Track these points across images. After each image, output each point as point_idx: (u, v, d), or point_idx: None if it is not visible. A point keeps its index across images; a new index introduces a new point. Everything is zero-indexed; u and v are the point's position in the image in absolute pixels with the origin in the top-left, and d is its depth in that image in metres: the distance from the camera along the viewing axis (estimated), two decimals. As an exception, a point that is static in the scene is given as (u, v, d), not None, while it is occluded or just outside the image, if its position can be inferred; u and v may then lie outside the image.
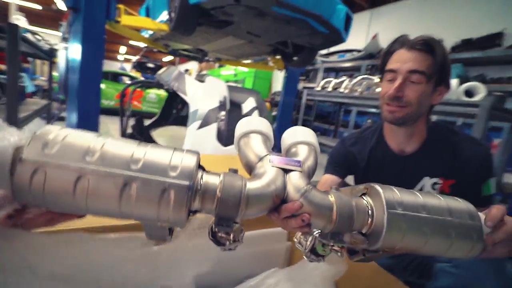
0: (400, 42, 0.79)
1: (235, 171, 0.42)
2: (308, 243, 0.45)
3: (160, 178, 0.34)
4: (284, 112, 3.55)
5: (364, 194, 0.44)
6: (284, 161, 0.45)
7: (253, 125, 0.52)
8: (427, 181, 0.83)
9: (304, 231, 0.43)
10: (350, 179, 1.00)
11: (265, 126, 0.53)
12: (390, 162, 0.87)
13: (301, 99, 3.70)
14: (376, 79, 2.12)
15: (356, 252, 0.45)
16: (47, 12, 8.91)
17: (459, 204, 0.44)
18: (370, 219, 0.41)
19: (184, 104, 2.89)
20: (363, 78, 2.20)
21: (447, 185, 0.82)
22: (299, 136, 0.53)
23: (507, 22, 3.82)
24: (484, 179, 0.79)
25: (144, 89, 6.17)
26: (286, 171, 0.44)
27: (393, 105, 0.77)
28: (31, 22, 4.89)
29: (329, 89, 2.33)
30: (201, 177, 0.39)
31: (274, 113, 4.72)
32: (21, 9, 6.71)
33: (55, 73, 4.05)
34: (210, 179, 0.39)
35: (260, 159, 0.47)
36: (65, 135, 0.35)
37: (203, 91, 2.07)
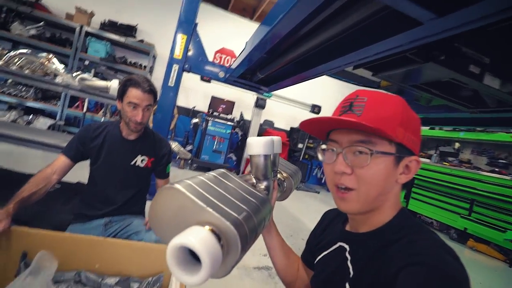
0: (135, 83, 1.18)
1: None
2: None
3: None
4: None
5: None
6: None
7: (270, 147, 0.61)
8: (139, 157, 1.30)
9: None
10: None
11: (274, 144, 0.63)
12: (120, 143, 1.28)
13: None
14: (43, 59, 1.88)
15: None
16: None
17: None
18: None
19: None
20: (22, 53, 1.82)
21: (150, 161, 1.33)
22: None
23: (141, 18, 4.93)
24: (167, 163, 1.40)
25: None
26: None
27: (136, 124, 1.21)
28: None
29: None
30: None
31: None
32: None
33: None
34: None
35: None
36: None
37: None
